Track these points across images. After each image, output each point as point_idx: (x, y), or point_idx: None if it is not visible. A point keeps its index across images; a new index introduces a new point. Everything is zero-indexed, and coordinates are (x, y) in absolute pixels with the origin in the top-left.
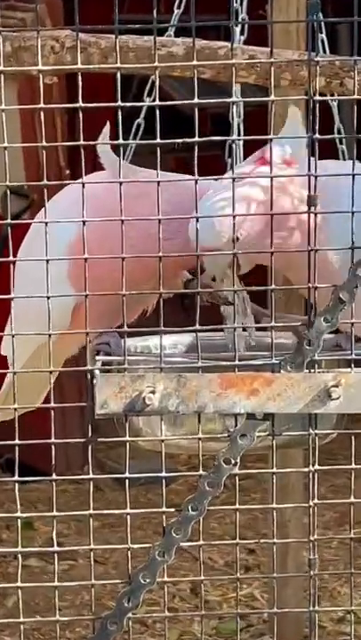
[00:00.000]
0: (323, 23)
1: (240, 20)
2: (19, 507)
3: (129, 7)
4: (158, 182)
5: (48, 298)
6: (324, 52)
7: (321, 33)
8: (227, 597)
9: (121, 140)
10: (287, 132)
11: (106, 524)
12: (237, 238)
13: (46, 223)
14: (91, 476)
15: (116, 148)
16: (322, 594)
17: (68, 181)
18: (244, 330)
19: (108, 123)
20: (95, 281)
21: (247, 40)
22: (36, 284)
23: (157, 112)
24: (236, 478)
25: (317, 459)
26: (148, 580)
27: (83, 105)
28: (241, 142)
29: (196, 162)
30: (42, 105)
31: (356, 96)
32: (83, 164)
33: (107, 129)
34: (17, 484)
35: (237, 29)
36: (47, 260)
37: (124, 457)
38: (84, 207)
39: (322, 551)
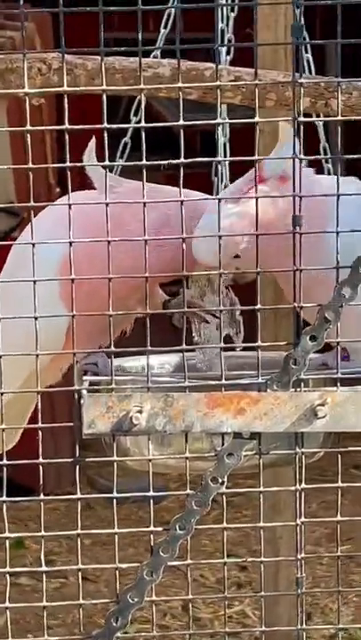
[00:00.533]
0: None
1: (226, 39)
2: (7, 526)
3: (118, 26)
4: (144, 204)
5: (36, 319)
6: (310, 72)
7: (307, 53)
8: (218, 615)
9: (107, 162)
10: (280, 150)
11: (97, 541)
12: (238, 256)
13: (33, 244)
14: (79, 495)
15: (103, 169)
16: (313, 610)
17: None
18: (227, 350)
19: (93, 137)
20: (87, 298)
21: (234, 59)
22: (26, 307)
23: (143, 133)
24: (223, 497)
25: (308, 475)
26: (136, 600)
27: (69, 127)
28: (227, 161)
29: (181, 181)
30: (28, 127)
31: (340, 117)
32: (69, 186)
33: (92, 143)
34: (4, 504)
35: (223, 50)
36: (34, 282)
37: (113, 472)
38: (72, 225)
39: (314, 568)
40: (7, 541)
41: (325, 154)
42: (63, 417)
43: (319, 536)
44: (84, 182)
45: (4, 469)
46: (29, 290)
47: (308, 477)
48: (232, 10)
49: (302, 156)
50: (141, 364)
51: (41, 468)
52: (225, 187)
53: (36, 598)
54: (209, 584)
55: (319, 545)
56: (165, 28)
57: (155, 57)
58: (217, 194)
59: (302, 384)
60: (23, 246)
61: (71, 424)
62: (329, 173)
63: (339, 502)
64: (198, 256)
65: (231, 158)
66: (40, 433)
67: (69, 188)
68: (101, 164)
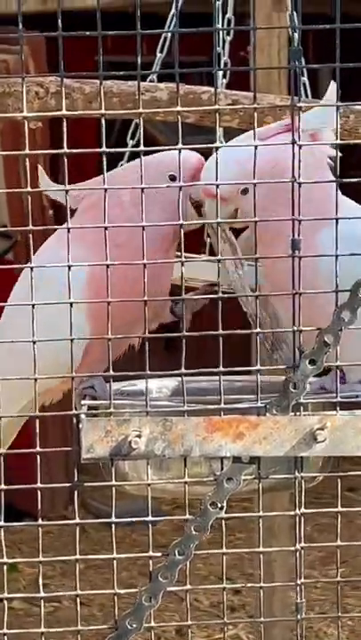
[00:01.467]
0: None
1: (223, 63)
2: (5, 551)
3: (111, 49)
4: (143, 227)
5: (72, 341)
6: (306, 95)
7: (303, 76)
8: (213, 639)
9: (106, 185)
10: (320, 109)
11: (91, 565)
12: (246, 190)
13: (69, 267)
14: (77, 520)
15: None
16: (308, 634)
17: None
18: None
19: (40, 167)
20: (114, 316)
21: (230, 82)
22: (51, 329)
23: (142, 156)
24: (223, 522)
25: (304, 499)
26: (134, 626)
27: (68, 151)
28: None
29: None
30: (27, 151)
31: (338, 140)
32: (68, 209)
33: (40, 170)
34: (2, 529)
35: (220, 73)
36: (70, 304)
37: (108, 497)
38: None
39: (308, 591)
40: (4, 566)
41: None
42: (56, 440)
43: (313, 559)
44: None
45: (1, 493)
46: (51, 312)
47: (304, 501)
48: (228, 34)
49: (301, 180)
50: (140, 388)
51: (39, 492)
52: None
53: (29, 622)
54: (203, 608)
55: (313, 568)
56: (162, 52)
57: (151, 81)
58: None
59: (302, 408)
60: (40, 270)
61: (65, 448)
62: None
63: (339, 527)
64: (207, 180)
65: (227, 182)
66: (38, 458)
67: (68, 211)
68: (100, 187)
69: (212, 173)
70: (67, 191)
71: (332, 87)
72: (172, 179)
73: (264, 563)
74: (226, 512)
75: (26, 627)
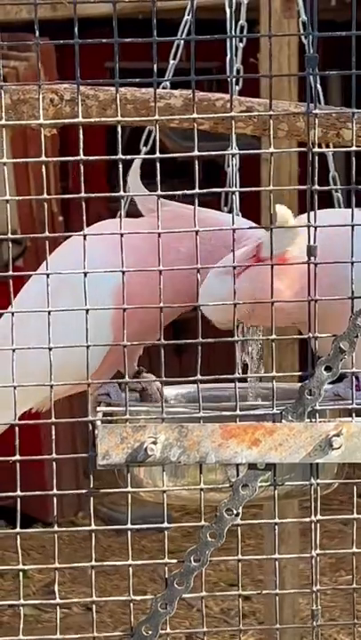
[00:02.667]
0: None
1: (235, 70)
2: (20, 558)
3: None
4: (159, 234)
5: (88, 347)
6: (319, 102)
7: (317, 83)
8: None
9: (122, 192)
10: (280, 233)
11: (100, 571)
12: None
13: (85, 274)
14: (93, 527)
15: (117, 200)
16: None
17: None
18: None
19: (138, 159)
20: (139, 325)
21: (241, 90)
22: (75, 335)
23: (158, 165)
24: (239, 528)
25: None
26: (150, 632)
27: (84, 158)
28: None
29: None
30: (44, 158)
31: (354, 147)
32: (84, 217)
33: (137, 163)
34: (18, 536)
35: (233, 80)
36: (86, 310)
37: (117, 503)
38: (124, 253)
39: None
40: (20, 573)
41: (335, 183)
42: (66, 446)
43: (323, 566)
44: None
45: (18, 501)
46: (76, 317)
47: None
48: (240, 40)
49: (317, 187)
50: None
51: (55, 500)
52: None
53: (39, 629)
54: (213, 614)
55: (323, 575)
56: (175, 59)
57: (164, 87)
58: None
59: (317, 415)
60: (63, 276)
61: (80, 455)
62: (339, 202)
63: (354, 534)
64: (208, 316)
65: (243, 189)
66: (54, 464)
67: (84, 218)
68: (116, 194)
69: (207, 311)
70: (83, 199)
71: (281, 211)
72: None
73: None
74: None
75: (36, 633)
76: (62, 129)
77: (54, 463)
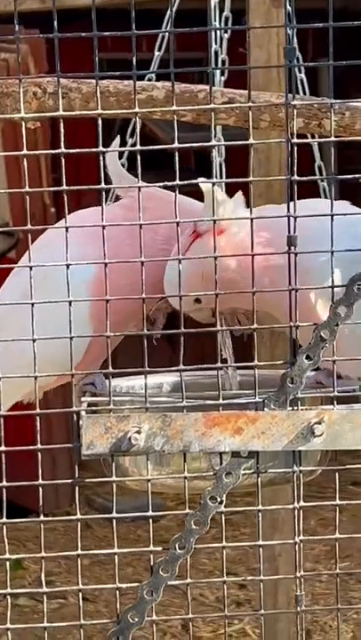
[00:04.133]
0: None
1: (220, 60)
2: (6, 547)
3: (111, 47)
4: (140, 225)
5: (71, 339)
6: (304, 92)
7: (300, 73)
8: (218, 633)
9: (103, 185)
10: (208, 209)
11: (96, 561)
12: (199, 300)
13: (68, 266)
14: (78, 516)
15: (99, 193)
16: (313, 628)
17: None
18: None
19: (118, 137)
20: (116, 316)
21: (228, 79)
22: (49, 327)
23: (138, 157)
24: (222, 516)
25: (306, 492)
26: (136, 620)
27: (65, 151)
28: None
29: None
30: (25, 152)
31: (333, 138)
32: (66, 209)
33: (116, 141)
34: (4, 526)
35: (218, 71)
36: (69, 302)
37: (112, 493)
38: (96, 244)
39: (313, 585)
40: (7, 562)
41: (321, 173)
42: (61, 436)
43: (318, 553)
44: (80, 203)
45: (4, 491)
46: (54, 310)
47: (306, 494)
48: (225, 31)
49: (296, 177)
50: (140, 384)
51: (41, 489)
52: None
53: (35, 619)
54: (208, 603)
55: (318, 562)
56: (160, 50)
57: (149, 79)
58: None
59: (299, 403)
60: (40, 268)
61: (65, 445)
62: (325, 192)
63: (337, 520)
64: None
65: (227, 180)
66: (39, 455)
67: (66, 211)
68: (98, 187)
69: (171, 287)
70: (64, 191)
71: (206, 187)
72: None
73: (269, 558)
74: (229, 507)
75: (31, 624)
76: (53, 121)
77: (39, 454)
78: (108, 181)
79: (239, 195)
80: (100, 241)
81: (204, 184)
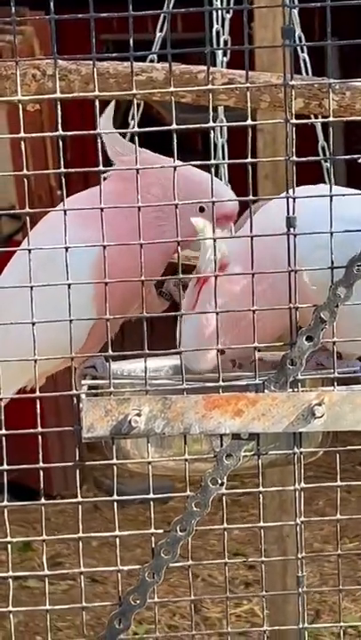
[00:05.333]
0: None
1: (222, 40)
2: (9, 530)
3: (117, 28)
4: (139, 208)
5: (70, 321)
6: (307, 72)
7: (303, 52)
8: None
9: (101, 167)
10: (205, 249)
11: (105, 542)
12: (223, 352)
13: (67, 249)
14: (79, 499)
15: (98, 175)
16: (322, 607)
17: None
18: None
19: (113, 102)
20: (121, 296)
21: (231, 60)
22: (56, 311)
23: (136, 139)
24: (224, 498)
25: (314, 473)
26: (138, 602)
27: (62, 133)
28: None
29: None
30: (22, 134)
31: (332, 118)
32: (64, 192)
33: (110, 108)
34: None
35: (220, 51)
36: (68, 285)
37: (121, 475)
38: (95, 225)
39: (321, 565)
40: (9, 545)
41: (324, 153)
42: (69, 420)
43: (327, 533)
44: (87, 184)
45: (4, 474)
46: (57, 293)
47: (314, 475)
48: (227, 11)
49: (295, 158)
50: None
51: (41, 472)
52: None
53: (44, 601)
54: (218, 583)
55: (327, 542)
56: (161, 31)
57: (151, 60)
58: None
59: (299, 384)
60: (43, 251)
61: (65, 428)
62: (328, 172)
63: (338, 501)
64: (193, 368)
65: (228, 161)
66: (40, 437)
67: (64, 193)
68: (96, 168)
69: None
70: (63, 174)
71: (197, 223)
72: (201, 210)
73: (277, 539)
74: (238, 487)
75: (41, 605)
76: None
77: (40, 437)
78: (106, 164)
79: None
80: (99, 223)
81: (195, 220)
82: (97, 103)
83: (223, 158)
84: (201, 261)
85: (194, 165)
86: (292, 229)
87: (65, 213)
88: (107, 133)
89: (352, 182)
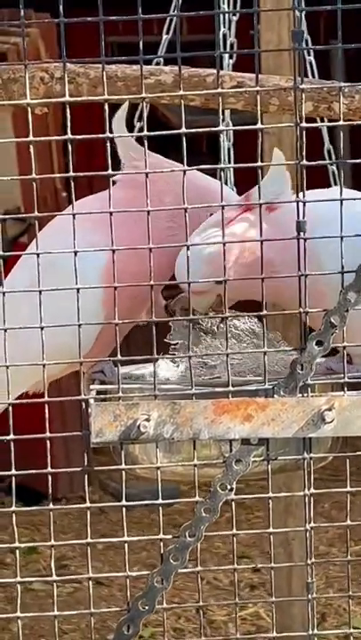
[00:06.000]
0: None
1: (229, 43)
2: (16, 534)
3: (123, 30)
4: (148, 212)
5: (79, 326)
6: (313, 75)
7: (309, 56)
8: (233, 617)
9: (110, 171)
10: (273, 176)
11: (110, 545)
12: (221, 281)
13: (76, 252)
14: (88, 504)
15: (107, 179)
16: (328, 611)
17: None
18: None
19: (126, 103)
20: (129, 301)
21: (237, 62)
22: (64, 316)
23: (145, 142)
24: (232, 502)
25: (320, 476)
26: (146, 608)
27: (72, 137)
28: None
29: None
30: (32, 138)
31: (342, 122)
32: (73, 195)
33: (123, 110)
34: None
35: (226, 55)
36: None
37: (126, 480)
38: (104, 229)
39: (327, 568)
40: (17, 550)
41: (330, 157)
42: (75, 423)
43: (332, 536)
44: (92, 188)
45: (13, 478)
46: (65, 299)
47: (321, 478)
48: (234, 14)
49: (305, 162)
50: (149, 372)
51: (51, 477)
52: None
53: (50, 604)
54: (223, 586)
55: (333, 545)
56: (168, 33)
57: (157, 63)
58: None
59: (309, 389)
60: (50, 253)
61: (74, 433)
62: (333, 176)
63: (348, 507)
64: (180, 278)
65: (235, 165)
66: (48, 443)
67: (73, 197)
68: (105, 172)
69: (183, 271)
70: (73, 178)
71: (276, 154)
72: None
73: (283, 542)
74: (243, 491)
75: (46, 608)
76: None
77: (47, 442)
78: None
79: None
80: (108, 227)
81: (276, 151)
82: (106, 107)
83: (229, 161)
84: (255, 190)
85: (203, 170)
86: (302, 234)
87: (74, 217)
88: (120, 137)
89: (358, 185)
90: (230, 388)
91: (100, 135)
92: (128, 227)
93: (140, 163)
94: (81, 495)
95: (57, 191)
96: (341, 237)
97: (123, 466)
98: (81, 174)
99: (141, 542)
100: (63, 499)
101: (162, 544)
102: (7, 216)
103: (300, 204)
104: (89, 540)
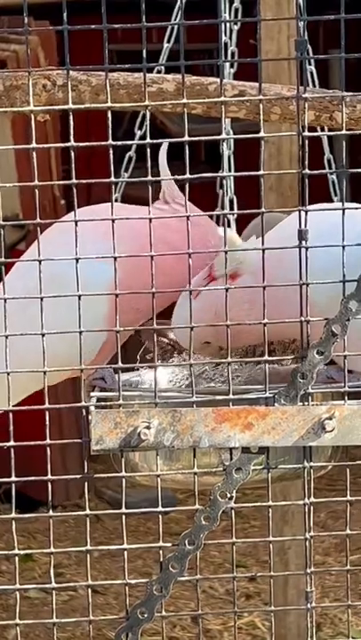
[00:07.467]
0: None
1: (230, 52)
2: (15, 542)
3: (121, 38)
4: (150, 219)
5: (80, 333)
6: (313, 84)
7: (310, 65)
8: (228, 626)
9: (112, 177)
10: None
11: (106, 553)
12: (208, 342)
13: (77, 259)
14: (87, 512)
15: (108, 186)
16: (323, 620)
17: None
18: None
19: (166, 142)
20: (133, 315)
21: (238, 71)
22: (65, 328)
23: (148, 150)
24: (232, 511)
25: (317, 485)
26: (145, 616)
27: (75, 144)
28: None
29: (187, 197)
30: (34, 145)
31: (344, 131)
32: (75, 205)
33: (164, 148)
34: (14, 521)
35: (227, 63)
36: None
37: (122, 486)
38: (119, 241)
39: (323, 577)
40: (16, 557)
41: (330, 166)
42: (71, 430)
43: (328, 546)
44: (90, 196)
45: (13, 486)
46: (67, 311)
47: (317, 487)
48: (235, 23)
49: (307, 171)
50: (148, 378)
51: (50, 485)
52: (230, 200)
53: (45, 611)
54: (218, 595)
55: (328, 555)
56: (168, 42)
57: (158, 71)
58: (222, 206)
59: (310, 398)
60: (53, 264)
61: (75, 440)
62: (333, 185)
63: (348, 516)
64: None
65: (236, 173)
66: (48, 450)
67: (75, 205)
68: (107, 179)
69: (179, 336)
70: (75, 185)
71: (229, 235)
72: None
73: (279, 551)
74: (240, 499)
75: (42, 615)
76: (64, 114)
77: (48, 448)
78: (117, 174)
79: (253, 238)
80: (118, 240)
81: (228, 232)
82: (109, 114)
83: (230, 170)
84: (217, 263)
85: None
86: (303, 242)
87: (76, 224)
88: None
89: (357, 195)
90: (231, 397)
91: (103, 143)
92: (137, 247)
93: (167, 207)
94: (77, 503)
95: (55, 198)
96: (343, 246)
97: (123, 473)
98: (84, 181)
99: (137, 551)
100: (59, 506)
101: (161, 552)
102: (6, 222)
103: (303, 213)
104: (88, 547)
